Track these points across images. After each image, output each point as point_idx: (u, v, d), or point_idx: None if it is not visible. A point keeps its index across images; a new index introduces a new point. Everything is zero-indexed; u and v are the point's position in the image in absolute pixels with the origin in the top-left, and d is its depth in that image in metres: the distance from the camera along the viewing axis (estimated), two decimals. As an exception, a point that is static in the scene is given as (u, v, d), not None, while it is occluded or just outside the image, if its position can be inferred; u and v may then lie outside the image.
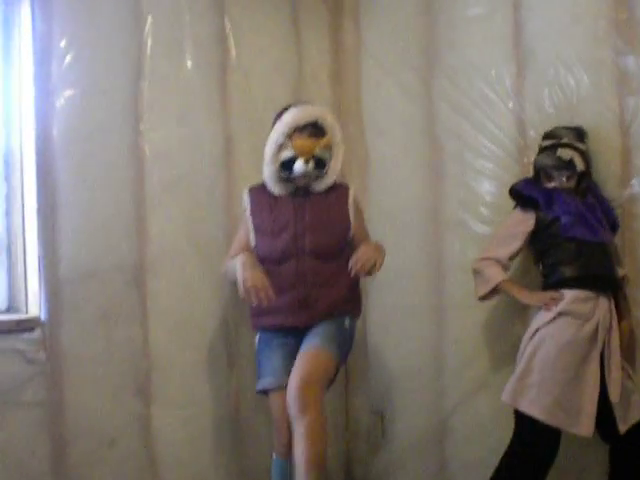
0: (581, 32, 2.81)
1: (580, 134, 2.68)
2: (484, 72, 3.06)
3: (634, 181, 2.69)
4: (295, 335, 2.66)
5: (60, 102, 2.66)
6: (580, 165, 2.62)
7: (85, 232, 2.71)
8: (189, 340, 2.96)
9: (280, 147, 2.63)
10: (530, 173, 2.79)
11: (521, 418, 2.57)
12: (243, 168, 3.09)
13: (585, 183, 2.67)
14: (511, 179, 2.85)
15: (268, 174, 2.68)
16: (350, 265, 2.51)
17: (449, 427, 3.19)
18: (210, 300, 3.03)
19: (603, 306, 2.55)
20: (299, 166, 2.61)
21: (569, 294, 2.56)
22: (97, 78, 2.75)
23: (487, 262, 2.71)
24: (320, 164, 2.65)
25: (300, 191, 2.70)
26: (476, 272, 2.75)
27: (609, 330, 2.54)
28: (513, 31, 2.98)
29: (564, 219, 2.59)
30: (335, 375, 2.63)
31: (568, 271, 2.59)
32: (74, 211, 2.69)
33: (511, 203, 2.77)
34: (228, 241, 2.94)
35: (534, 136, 2.88)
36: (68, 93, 2.68)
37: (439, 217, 3.22)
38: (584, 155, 2.64)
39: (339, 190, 2.77)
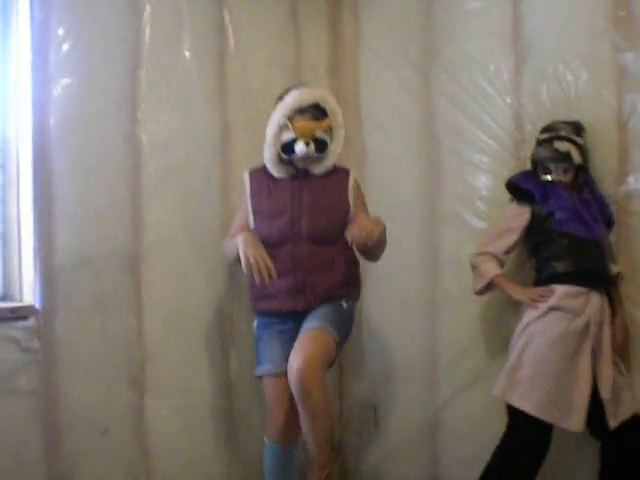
0: (580, 28, 2.81)
1: (578, 128, 2.68)
2: (483, 66, 3.06)
3: (630, 178, 2.69)
4: (293, 320, 2.65)
5: (57, 90, 2.66)
6: (577, 158, 2.62)
7: (81, 221, 2.71)
8: (184, 330, 2.96)
9: (281, 129, 2.62)
10: (527, 168, 2.80)
11: (513, 412, 2.58)
12: (240, 158, 3.08)
13: (582, 178, 2.67)
14: (508, 174, 2.85)
15: (268, 156, 2.67)
16: (348, 234, 2.48)
17: (442, 420, 3.20)
18: (205, 290, 3.03)
19: (595, 302, 2.56)
20: (300, 148, 2.60)
21: (560, 289, 2.57)
22: (94, 67, 2.75)
23: (483, 257, 2.73)
24: (321, 146, 2.63)
25: (300, 174, 2.70)
26: (473, 267, 2.77)
27: (600, 326, 2.55)
28: (512, 26, 2.98)
29: (559, 214, 2.59)
30: (336, 356, 2.64)
31: (560, 266, 2.60)
32: (70, 200, 2.69)
33: (507, 198, 2.78)
34: (224, 231, 2.94)
35: (531, 131, 2.88)
36: (65, 81, 2.67)
37: (436, 211, 3.22)
38: (581, 149, 2.64)
39: (339, 174, 2.75)
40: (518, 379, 2.55)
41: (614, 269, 2.66)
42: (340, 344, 2.64)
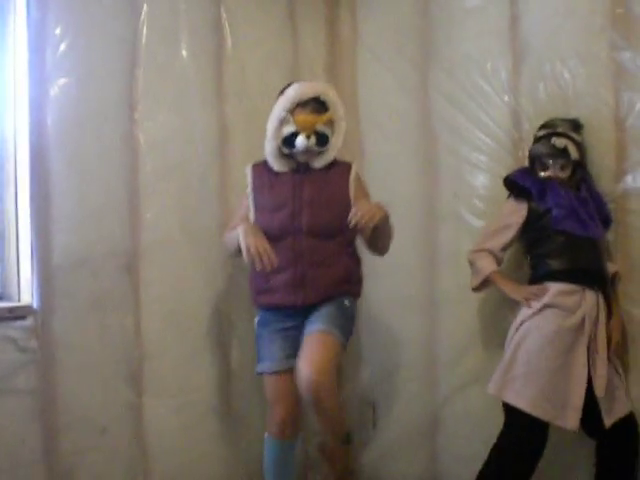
0: (577, 26, 2.81)
1: (576, 125, 2.69)
2: (480, 65, 3.05)
3: (628, 176, 2.69)
4: (294, 318, 2.64)
5: (54, 90, 2.66)
6: (574, 154, 2.62)
7: (78, 220, 2.71)
8: (182, 328, 2.96)
9: (282, 122, 2.61)
10: (525, 165, 2.80)
11: (509, 410, 2.58)
12: (237, 157, 3.08)
13: (580, 174, 2.67)
14: (506, 172, 2.84)
15: (269, 150, 2.67)
16: (349, 218, 2.44)
17: (441, 418, 3.20)
18: (203, 289, 3.03)
19: (590, 300, 2.55)
20: (300, 141, 2.59)
21: (555, 287, 2.57)
22: (92, 66, 2.75)
23: (480, 253, 2.73)
24: (322, 140, 2.62)
25: (301, 168, 2.69)
26: (470, 263, 2.77)
27: (596, 324, 2.54)
28: (509, 24, 2.98)
29: (555, 212, 2.59)
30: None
31: (555, 264, 2.60)
32: (67, 199, 2.69)
33: (505, 196, 2.78)
34: (222, 230, 2.93)
35: (529, 129, 2.87)
36: (62, 81, 2.67)
37: (433, 209, 3.23)
38: (579, 145, 2.64)
39: (341, 167, 2.74)
40: (513, 376, 2.55)
41: (611, 268, 2.66)
42: (345, 345, 2.64)
